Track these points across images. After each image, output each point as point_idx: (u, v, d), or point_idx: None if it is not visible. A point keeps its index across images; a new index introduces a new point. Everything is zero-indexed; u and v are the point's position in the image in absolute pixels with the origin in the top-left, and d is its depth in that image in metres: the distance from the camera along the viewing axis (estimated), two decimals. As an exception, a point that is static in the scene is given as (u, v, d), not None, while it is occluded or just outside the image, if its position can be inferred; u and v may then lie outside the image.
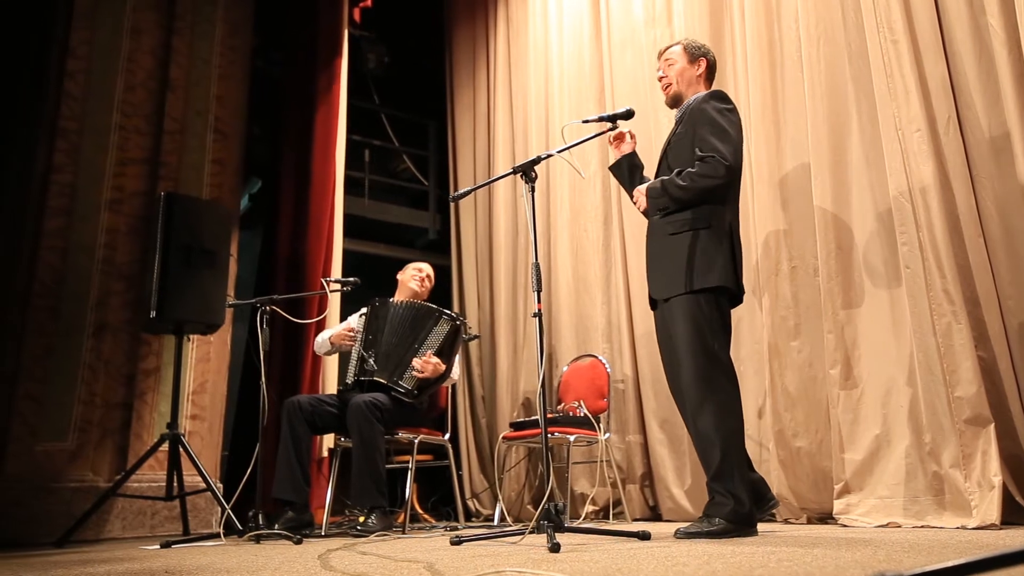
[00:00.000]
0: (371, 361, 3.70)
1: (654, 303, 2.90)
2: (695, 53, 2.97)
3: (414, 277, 4.14)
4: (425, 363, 3.68)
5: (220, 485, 4.11)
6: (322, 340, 4.03)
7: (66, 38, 4.28)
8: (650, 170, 3.06)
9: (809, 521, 3.22)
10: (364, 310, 3.95)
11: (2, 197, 4.38)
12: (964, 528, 2.58)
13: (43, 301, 3.95)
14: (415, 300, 3.98)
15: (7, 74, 4.51)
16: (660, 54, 3.06)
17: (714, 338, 2.66)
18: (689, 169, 2.73)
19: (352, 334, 3.88)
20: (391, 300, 3.92)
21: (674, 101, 2.99)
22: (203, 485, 3.66)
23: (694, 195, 2.71)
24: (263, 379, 3.32)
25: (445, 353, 3.78)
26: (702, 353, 2.63)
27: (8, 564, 2.55)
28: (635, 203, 2.90)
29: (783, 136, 3.56)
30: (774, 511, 2.92)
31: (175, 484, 3.61)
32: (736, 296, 2.81)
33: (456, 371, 4.04)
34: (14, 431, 3.76)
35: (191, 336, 4.14)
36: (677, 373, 2.74)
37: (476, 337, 3.82)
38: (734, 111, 2.81)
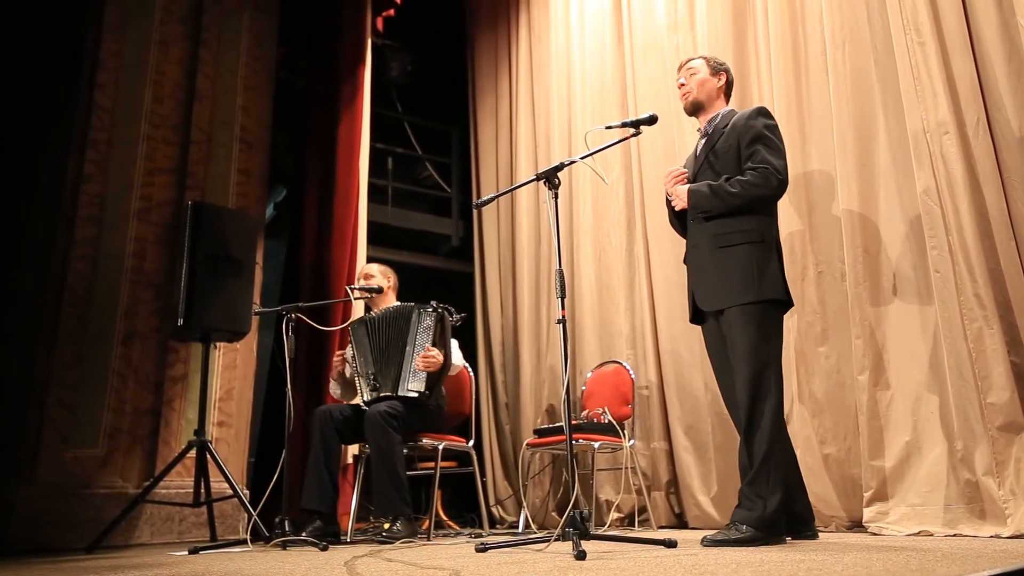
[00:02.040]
0: (374, 383, 3.70)
1: (698, 317, 2.92)
2: (716, 67, 3.03)
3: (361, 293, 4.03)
4: (426, 359, 3.65)
5: (247, 491, 4.14)
6: (333, 385, 4.03)
7: (96, 51, 4.36)
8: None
9: (838, 529, 3.18)
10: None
11: (35, 207, 4.46)
12: (998, 537, 2.54)
13: (73, 309, 4.01)
14: (388, 306, 3.93)
15: (40, 87, 4.60)
16: (681, 66, 3.08)
17: (770, 344, 2.68)
18: (740, 177, 2.75)
19: (345, 360, 3.89)
20: (365, 317, 3.89)
21: (693, 108, 3.02)
22: (230, 491, 3.70)
23: (743, 203, 2.74)
24: (289, 386, 3.34)
25: (438, 345, 3.73)
26: (758, 359, 2.64)
27: (40, 569, 2.59)
28: (672, 202, 2.91)
29: (808, 139, 3.53)
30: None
31: (202, 490, 3.64)
32: (787, 305, 2.82)
33: (459, 359, 3.98)
34: (46, 438, 3.81)
35: (218, 343, 4.17)
36: (732, 383, 2.74)
37: (463, 317, 3.76)
38: (779, 128, 2.86)
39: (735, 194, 2.73)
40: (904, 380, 3.02)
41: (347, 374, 3.95)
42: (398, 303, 3.96)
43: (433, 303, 3.77)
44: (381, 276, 4.10)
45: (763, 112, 2.86)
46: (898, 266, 3.11)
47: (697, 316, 2.93)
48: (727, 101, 3.04)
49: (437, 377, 3.72)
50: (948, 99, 2.90)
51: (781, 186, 2.75)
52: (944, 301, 2.84)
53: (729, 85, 3.05)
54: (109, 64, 4.37)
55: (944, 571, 1.62)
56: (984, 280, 2.73)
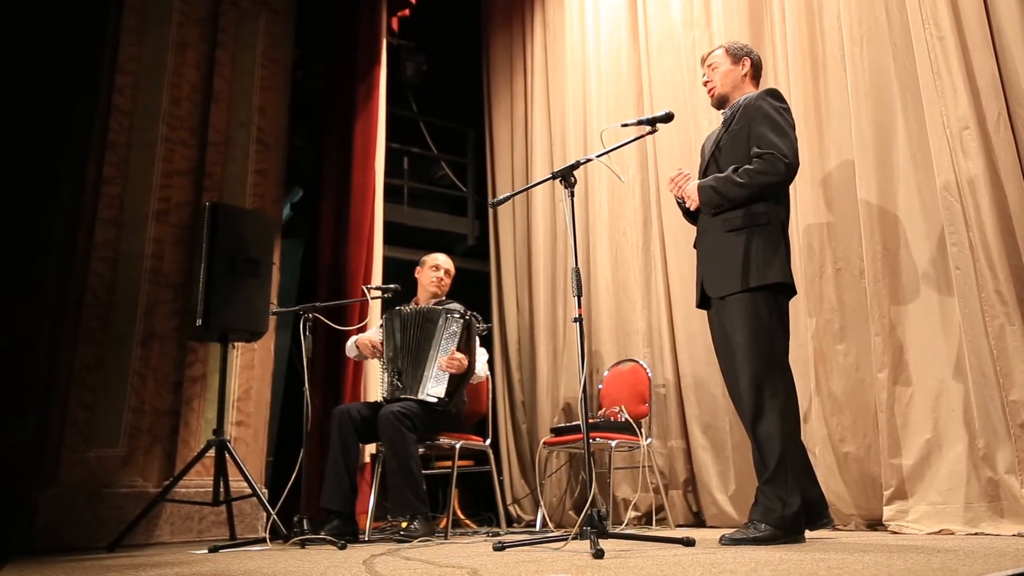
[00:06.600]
0: (396, 382, 3.69)
1: (705, 302, 2.87)
2: (738, 54, 2.96)
3: (432, 281, 4.03)
4: (451, 360, 3.62)
5: (265, 490, 4.16)
6: (351, 345, 4.01)
7: (115, 55, 4.41)
8: (685, 167, 3.03)
9: (857, 528, 3.15)
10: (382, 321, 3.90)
11: (55, 209, 4.51)
12: (1021, 536, 2.51)
13: (94, 311, 4.05)
14: (427, 304, 3.92)
15: (60, 91, 4.65)
16: (703, 60, 3.05)
17: (773, 339, 2.63)
18: (747, 166, 2.70)
19: (375, 348, 3.86)
20: (402, 310, 3.84)
21: (719, 103, 2.98)
22: (249, 490, 3.73)
23: (752, 192, 2.69)
24: (306, 386, 3.36)
25: (462, 350, 3.70)
26: (760, 355, 2.60)
27: (64, 568, 2.62)
28: (686, 201, 2.86)
29: (826, 136, 3.50)
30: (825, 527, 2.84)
31: (222, 489, 3.67)
32: (791, 290, 2.77)
33: (482, 368, 3.95)
34: (67, 438, 3.86)
35: (236, 344, 4.21)
36: (736, 376, 2.71)
37: (488, 327, 3.73)
38: (790, 111, 2.80)
39: (743, 184, 2.68)
40: (924, 378, 3.00)
41: (370, 357, 3.95)
42: (427, 305, 3.92)
43: (460, 308, 3.74)
44: (449, 274, 4.12)
45: (772, 93, 2.80)
46: (917, 263, 3.08)
47: (704, 301, 2.88)
48: (756, 85, 2.97)
49: (458, 383, 3.71)
50: (968, 94, 2.87)
51: (789, 170, 2.68)
52: (965, 298, 2.81)
53: (756, 68, 2.96)
54: (127, 68, 4.42)
55: (966, 570, 1.61)
56: (1005, 276, 2.71)
